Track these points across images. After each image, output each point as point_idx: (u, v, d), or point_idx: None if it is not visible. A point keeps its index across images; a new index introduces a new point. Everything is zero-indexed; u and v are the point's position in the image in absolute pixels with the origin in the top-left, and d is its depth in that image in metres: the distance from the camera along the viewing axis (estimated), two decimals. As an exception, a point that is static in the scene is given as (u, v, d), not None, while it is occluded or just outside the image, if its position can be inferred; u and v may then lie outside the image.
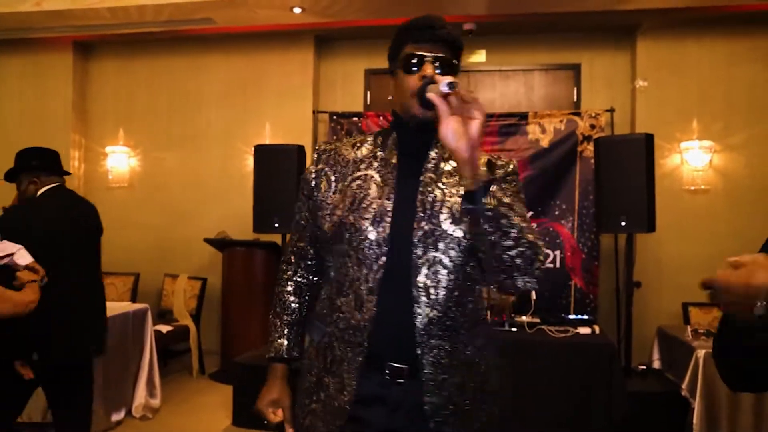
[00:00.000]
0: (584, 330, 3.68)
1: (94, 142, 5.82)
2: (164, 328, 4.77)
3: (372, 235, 1.29)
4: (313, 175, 1.43)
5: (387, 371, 1.29)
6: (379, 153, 1.38)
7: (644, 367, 3.89)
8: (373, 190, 1.33)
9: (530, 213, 4.81)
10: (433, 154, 1.37)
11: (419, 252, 1.27)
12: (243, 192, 5.05)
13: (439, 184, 1.30)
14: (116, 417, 3.73)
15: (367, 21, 4.91)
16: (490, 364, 1.39)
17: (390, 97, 1.39)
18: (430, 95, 1.14)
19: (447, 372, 1.29)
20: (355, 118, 5.19)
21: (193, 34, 5.37)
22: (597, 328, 3.74)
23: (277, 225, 4.20)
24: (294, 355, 1.46)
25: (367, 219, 1.30)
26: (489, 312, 3.79)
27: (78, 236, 2.68)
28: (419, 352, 1.27)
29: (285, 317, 1.47)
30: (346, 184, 1.37)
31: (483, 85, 5.35)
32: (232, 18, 4.91)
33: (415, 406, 1.28)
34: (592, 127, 4.78)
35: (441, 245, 1.27)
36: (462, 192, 1.14)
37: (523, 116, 4.90)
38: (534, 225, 1.30)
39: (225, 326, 5.03)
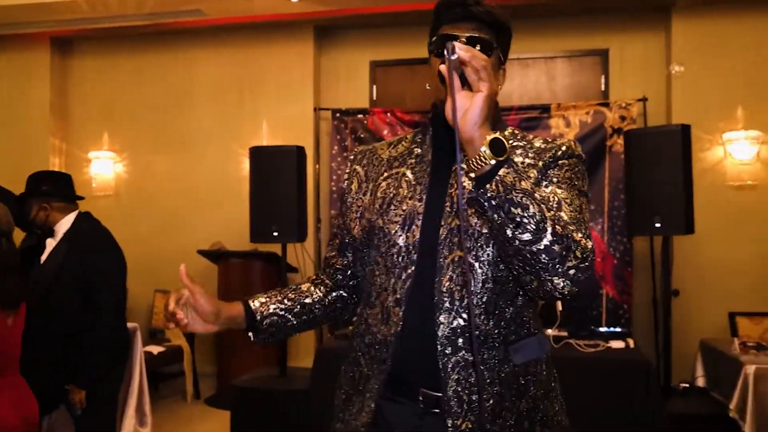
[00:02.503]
0: (617, 344, 3.65)
1: (75, 147, 5.88)
2: (155, 349, 4.80)
3: (401, 240, 1.28)
4: (346, 176, 1.48)
5: (421, 398, 1.25)
6: (416, 150, 1.38)
7: (686, 386, 3.85)
8: (404, 190, 1.32)
9: None
10: None
11: (445, 252, 1.24)
12: (239, 198, 5.07)
13: (471, 174, 1.16)
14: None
15: (372, 8, 4.93)
16: (543, 385, 1.29)
17: (427, 86, 1.36)
18: (441, 67, 1.11)
19: (476, 392, 1.22)
20: (360, 115, 5.19)
21: (181, 27, 5.42)
22: (631, 342, 3.70)
23: (276, 234, 4.19)
24: (258, 310, 1.36)
25: (396, 222, 1.29)
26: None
27: None
28: (441, 366, 1.22)
29: (284, 288, 1.44)
30: (377, 183, 1.38)
31: (500, 75, 5.34)
32: (224, 9, 4.94)
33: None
34: (623, 118, 4.75)
35: (468, 243, 1.23)
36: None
37: (545, 109, 4.89)
38: (576, 215, 1.19)
39: (221, 346, 5.04)
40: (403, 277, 1.26)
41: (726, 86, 4.79)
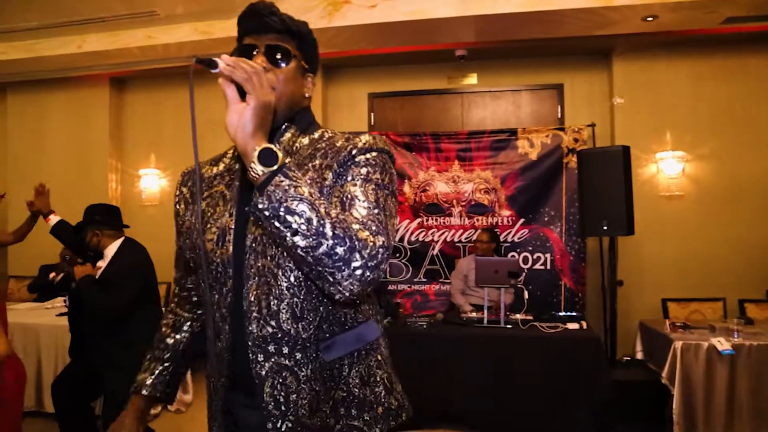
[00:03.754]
0: (573, 325, 3.66)
1: (129, 165, 5.89)
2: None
3: (217, 257, 1.08)
4: (176, 200, 1.25)
5: (243, 398, 1.10)
6: (236, 166, 1.16)
7: (628, 358, 3.88)
8: (220, 207, 1.12)
9: (521, 220, 4.87)
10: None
11: (251, 261, 1.05)
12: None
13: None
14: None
15: (368, 50, 4.96)
16: (362, 373, 1.12)
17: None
18: (219, 81, 0.95)
19: (294, 392, 1.04)
20: (360, 138, 5.23)
21: (214, 67, 5.44)
22: (584, 324, 3.71)
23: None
24: (154, 391, 1.26)
25: (211, 240, 1.09)
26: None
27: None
28: (254, 374, 1.04)
29: (156, 352, 1.30)
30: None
31: (475, 105, 5.40)
32: (249, 52, 4.97)
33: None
34: (576, 140, 4.78)
35: (270, 251, 1.03)
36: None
37: (513, 132, 4.91)
38: (370, 211, 0.99)
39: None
40: (224, 292, 1.07)
41: (656, 115, 4.83)
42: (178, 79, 5.74)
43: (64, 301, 4.09)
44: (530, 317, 3.78)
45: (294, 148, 1.11)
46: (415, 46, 4.82)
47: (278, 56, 1.09)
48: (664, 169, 4.77)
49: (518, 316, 3.79)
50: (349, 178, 1.03)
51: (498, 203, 4.91)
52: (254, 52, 1.08)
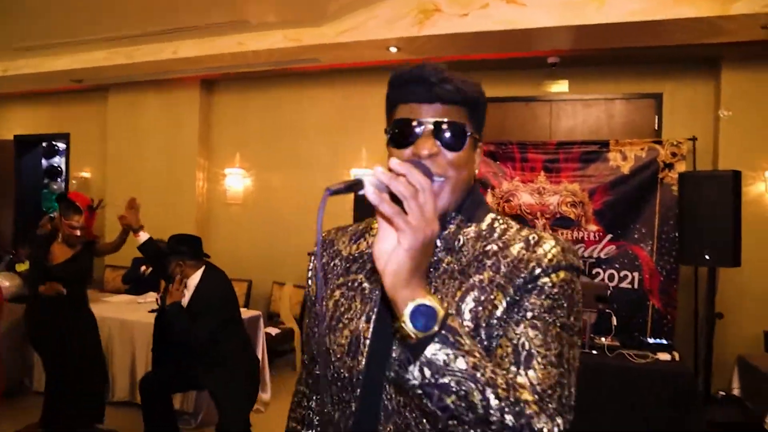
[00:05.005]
0: (663, 356, 3.50)
1: (215, 164, 6.10)
2: (273, 331, 4.98)
3: (345, 369, 0.87)
4: (308, 275, 1.03)
5: None
6: None
7: (723, 394, 3.68)
8: (357, 303, 0.90)
9: (608, 236, 4.70)
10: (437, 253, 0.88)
11: (391, 393, 0.83)
12: (342, 209, 5.17)
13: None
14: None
15: (455, 56, 4.89)
16: None
17: None
18: (370, 196, 0.71)
19: None
20: (443, 146, 5.16)
21: (299, 70, 5.52)
22: (677, 355, 3.54)
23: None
24: None
25: (342, 345, 0.88)
26: None
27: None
28: None
29: None
30: (332, 291, 0.94)
31: (565, 113, 5.21)
32: (336, 57, 5.01)
33: None
34: (674, 155, 4.50)
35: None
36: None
37: (604, 144, 4.69)
38: (548, 372, 0.77)
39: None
40: (347, 413, 0.87)
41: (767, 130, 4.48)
42: (266, 81, 5.89)
43: (156, 299, 4.34)
44: (617, 343, 3.64)
45: (456, 244, 0.88)
46: (506, 53, 4.69)
47: (452, 136, 0.86)
48: (775, 190, 4.43)
49: (604, 340, 3.65)
50: (528, 314, 0.79)
51: (584, 217, 4.73)
52: (417, 131, 0.86)
